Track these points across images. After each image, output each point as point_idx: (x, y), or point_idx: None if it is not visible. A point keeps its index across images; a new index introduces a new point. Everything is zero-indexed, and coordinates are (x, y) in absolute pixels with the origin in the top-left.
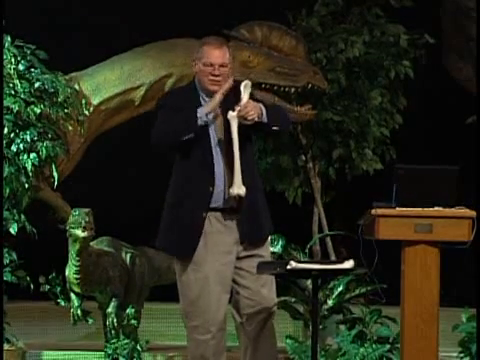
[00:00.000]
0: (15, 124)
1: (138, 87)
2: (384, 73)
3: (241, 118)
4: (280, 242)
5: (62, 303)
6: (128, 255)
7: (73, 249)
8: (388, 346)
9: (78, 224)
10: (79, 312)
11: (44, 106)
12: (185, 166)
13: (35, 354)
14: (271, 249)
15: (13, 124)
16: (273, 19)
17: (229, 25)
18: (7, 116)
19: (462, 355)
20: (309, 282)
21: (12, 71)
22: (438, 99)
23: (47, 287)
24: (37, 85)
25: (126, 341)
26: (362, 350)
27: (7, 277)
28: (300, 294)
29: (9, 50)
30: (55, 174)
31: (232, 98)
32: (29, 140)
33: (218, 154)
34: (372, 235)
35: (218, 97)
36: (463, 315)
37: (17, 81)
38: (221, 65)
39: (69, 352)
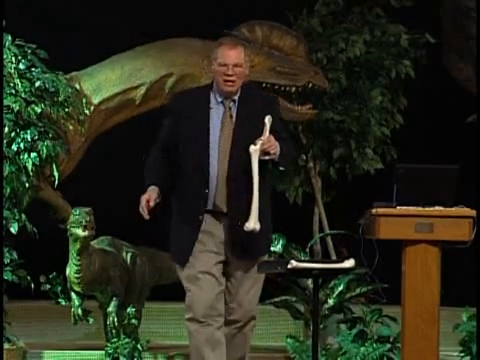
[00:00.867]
0: (16, 123)
1: (138, 86)
2: (385, 73)
3: (262, 152)
4: (281, 241)
5: (63, 302)
6: (129, 254)
7: (74, 248)
8: (389, 345)
9: (79, 223)
10: (80, 311)
11: (45, 105)
12: (183, 169)
13: (36, 354)
14: (272, 248)
15: (14, 123)
16: (274, 19)
17: (230, 25)
18: (8, 115)
19: (463, 355)
20: (310, 281)
21: (13, 70)
22: (438, 99)
23: (48, 286)
24: (38, 84)
25: (127, 340)
26: (363, 349)
27: (8, 276)
28: (301, 293)
29: (10, 49)
30: (56, 173)
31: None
32: (30, 139)
33: (214, 156)
34: (373, 235)
35: (145, 213)
36: (464, 315)
37: (18, 80)
38: (235, 65)
39: (70, 351)
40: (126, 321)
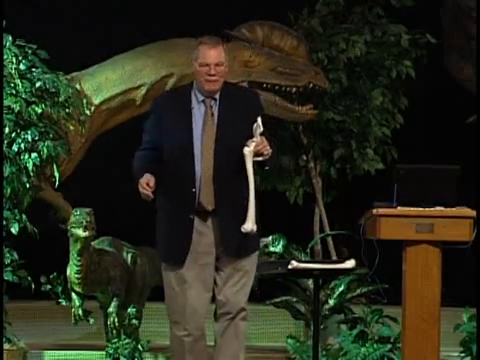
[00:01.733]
0: (16, 124)
1: (139, 87)
2: (385, 73)
3: (254, 153)
4: (281, 242)
5: (63, 303)
6: (129, 255)
7: (74, 249)
8: (389, 346)
9: (79, 224)
10: (80, 312)
11: (45, 106)
12: (168, 169)
13: (36, 354)
14: (272, 249)
15: (14, 124)
16: (274, 19)
17: (230, 25)
18: (8, 116)
19: (463, 355)
20: (310, 282)
21: (13, 71)
22: (439, 99)
23: (48, 287)
24: (38, 85)
25: (127, 341)
26: (363, 350)
27: (8, 277)
28: (301, 294)
29: (10, 50)
30: (56, 174)
31: (226, 100)
32: (30, 140)
33: (198, 155)
34: (373, 235)
35: (148, 192)
36: (464, 315)
37: (18, 81)
38: (216, 64)
39: (70, 352)
40: (127, 321)
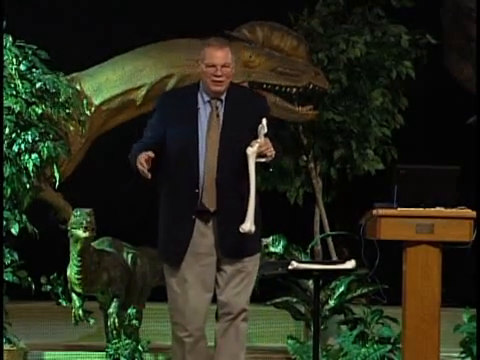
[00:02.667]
0: (16, 124)
1: (139, 87)
2: (385, 73)
3: (258, 154)
4: (281, 242)
5: (63, 303)
6: (129, 255)
7: (74, 249)
8: (390, 346)
9: (79, 224)
10: (80, 312)
11: (45, 106)
12: (171, 168)
13: (36, 354)
14: (272, 249)
15: (14, 124)
16: (274, 19)
17: (230, 25)
18: (8, 116)
19: (463, 355)
20: (311, 282)
21: (13, 71)
22: (439, 99)
23: (48, 287)
24: (38, 85)
25: (127, 341)
26: (364, 350)
27: (8, 277)
28: (301, 294)
29: (10, 50)
30: (56, 174)
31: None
32: (30, 140)
33: (202, 156)
34: (373, 235)
35: (145, 169)
36: (464, 315)
37: (18, 81)
38: (223, 66)
39: (70, 352)
40: (127, 322)
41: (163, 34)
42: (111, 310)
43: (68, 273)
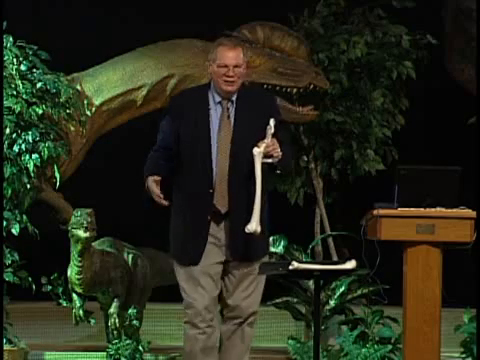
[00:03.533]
0: (17, 125)
1: (140, 88)
2: (386, 74)
3: (264, 155)
4: (282, 243)
5: (64, 304)
6: (130, 256)
7: (75, 250)
8: (390, 347)
9: (80, 225)
10: (81, 313)
11: (46, 107)
12: (185, 170)
13: (37, 354)
14: (273, 250)
15: (15, 125)
16: (275, 20)
17: (231, 26)
18: (9, 117)
19: (464, 356)
20: (311, 283)
21: (14, 72)
22: (440, 100)
23: (49, 288)
24: (39, 86)
25: (128, 342)
26: (364, 351)
27: (9, 278)
28: (302, 295)
29: (11, 51)
30: (57, 175)
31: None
32: (31, 141)
33: (218, 156)
34: (374, 236)
35: (155, 192)
36: (465, 316)
37: (19, 82)
38: (235, 66)
39: (71, 353)
40: (127, 322)
41: (163, 34)
42: (112, 310)
43: (69, 273)
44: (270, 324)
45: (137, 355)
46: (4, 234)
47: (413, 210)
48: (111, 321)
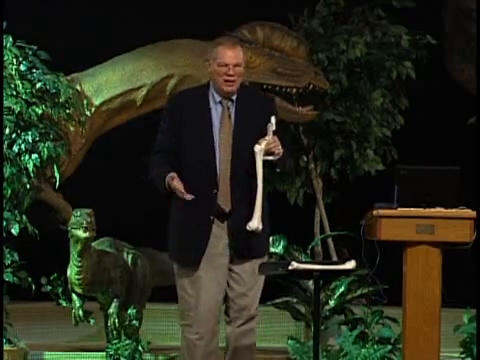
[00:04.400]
0: (17, 125)
1: (139, 88)
2: (386, 74)
3: (265, 152)
4: (282, 243)
5: (64, 304)
6: (130, 256)
7: (75, 250)
8: (390, 347)
9: (80, 225)
10: (81, 313)
11: (46, 107)
12: (188, 169)
13: (37, 355)
14: (272, 250)
15: (15, 125)
16: (275, 20)
17: (231, 26)
18: (9, 117)
19: (463, 356)
20: (311, 283)
21: (14, 72)
22: (439, 100)
23: (49, 288)
24: (39, 86)
25: (128, 342)
26: (364, 351)
27: (9, 278)
28: (302, 295)
29: (11, 51)
30: (57, 175)
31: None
32: (31, 141)
33: (220, 156)
34: (374, 236)
35: (179, 188)
36: (464, 316)
37: (19, 82)
38: (235, 65)
39: (71, 353)
40: (127, 322)
41: (163, 34)
42: (111, 310)
43: (68, 273)
44: (270, 324)
45: (137, 355)
46: (4, 234)
47: (413, 210)
48: (111, 321)
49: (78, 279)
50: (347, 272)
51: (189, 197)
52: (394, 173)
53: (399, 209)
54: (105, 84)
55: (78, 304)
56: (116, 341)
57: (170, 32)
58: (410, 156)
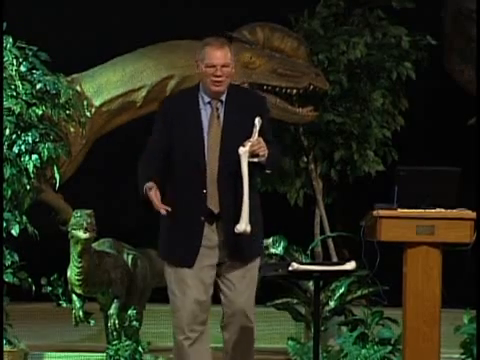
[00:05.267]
0: (17, 126)
1: (140, 88)
2: (386, 75)
3: (250, 154)
4: (282, 243)
5: (64, 305)
6: (130, 257)
7: (75, 251)
8: (390, 348)
9: (80, 225)
10: (81, 313)
11: (46, 107)
12: (178, 171)
13: (37, 356)
14: (272, 250)
15: (15, 125)
16: (275, 21)
17: (231, 26)
18: (9, 118)
19: (464, 357)
20: (311, 283)
21: (14, 73)
22: (440, 101)
23: (49, 289)
24: (39, 86)
25: (128, 343)
26: (364, 352)
27: (9, 279)
28: (302, 295)
29: (11, 51)
30: (57, 176)
31: (232, 102)
32: (31, 141)
33: (208, 156)
34: (374, 236)
35: (155, 203)
36: (464, 317)
37: (19, 83)
38: (223, 65)
39: (71, 353)
40: (127, 323)
41: (163, 35)
42: (111, 311)
43: (68, 274)
44: (270, 325)
45: (137, 356)
46: (4, 235)
47: (413, 211)
48: (111, 322)
49: (78, 280)
50: (347, 273)
51: (163, 211)
52: (394, 174)
53: (399, 210)
54: (105, 85)
55: (78, 305)
56: (116, 342)
57: (170, 33)
58: (410, 157)
